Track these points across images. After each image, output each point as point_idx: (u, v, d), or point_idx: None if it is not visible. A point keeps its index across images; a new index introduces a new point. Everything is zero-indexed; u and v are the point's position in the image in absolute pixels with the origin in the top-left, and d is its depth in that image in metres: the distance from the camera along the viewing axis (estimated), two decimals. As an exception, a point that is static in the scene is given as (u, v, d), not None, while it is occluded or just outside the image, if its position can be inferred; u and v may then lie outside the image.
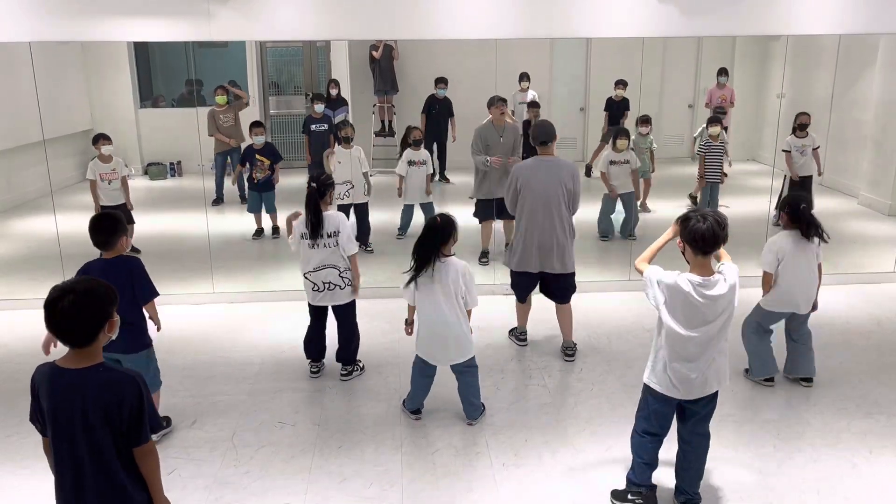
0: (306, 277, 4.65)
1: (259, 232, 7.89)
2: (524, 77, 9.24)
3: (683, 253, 3.22)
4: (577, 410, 4.39)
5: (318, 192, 4.52)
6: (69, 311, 2.28)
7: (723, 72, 9.22)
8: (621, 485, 3.58)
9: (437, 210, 7.39)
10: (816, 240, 4.47)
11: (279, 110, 10.43)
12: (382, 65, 9.58)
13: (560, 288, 5.07)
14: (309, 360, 4.90)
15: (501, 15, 5.81)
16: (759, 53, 9.86)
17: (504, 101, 6.89)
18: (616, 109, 9.22)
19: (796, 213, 4.42)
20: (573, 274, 5.05)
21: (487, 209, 6.97)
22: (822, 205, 8.05)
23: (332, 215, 4.61)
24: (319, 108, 8.29)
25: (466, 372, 4.19)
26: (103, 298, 2.36)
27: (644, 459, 3.44)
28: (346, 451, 3.97)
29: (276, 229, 7.85)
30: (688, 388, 3.24)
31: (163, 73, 11.23)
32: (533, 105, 8.48)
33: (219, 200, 8.71)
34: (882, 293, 6.39)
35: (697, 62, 10.11)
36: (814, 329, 4.73)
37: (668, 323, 3.20)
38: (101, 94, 9.68)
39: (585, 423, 4.24)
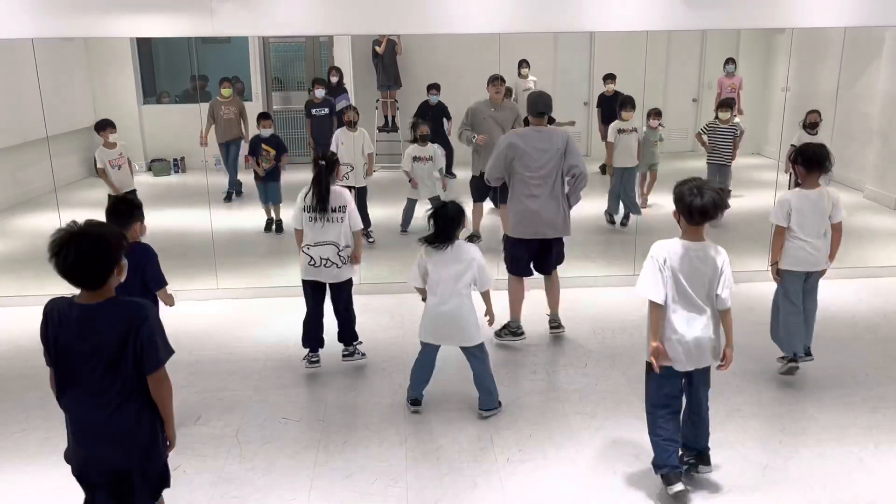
0: (304, 251, 4.62)
1: (271, 223, 7.93)
2: (523, 63, 9.19)
3: (678, 221, 3.36)
4: (582, 405, 4.38)
5: (327, 167, 4.54)
6: (79, 257, 2.31)
7: (730, 61, 9.21)
8: (626, 480, 3.58)
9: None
10: (829, 197, 4.38)
11: (282, 106, 10.42)
12: (385, 60, 9.55)
13: (554, 254, 5.13)
14: (307, 351, 4.86)
15: (505, 9, 5.78)
16: (764, 47, 9.82)
17: (500, 79, 6.85)
18: (609, 105, 9.19)
19: (808, 157, 4.34)
20: (564, 239, 5.14)
21: (482, 187, 6.92)
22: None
23: (337, 190, 4.62)
24: (320, 92, 8.34)
25: (477, 356, 4.20)
26: (112, 243, 2.39)
27: (662, 436, 3.42)
28: (351, 446, 3.97)
29: (279, 224, 7.84)
30: (692, 359, 3.35)
31: (166, 69, 11.23)
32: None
33: (229, 197, 8.69)
34: (889, 287, 6.36)
35: (702, 56, 10.08)
36: (820, 323, 4.72)
37: (671, 293, 3.30)
38: (105, 90, 9.67)
39: (590, 419, 4.23)
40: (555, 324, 5.29)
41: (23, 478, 3.74)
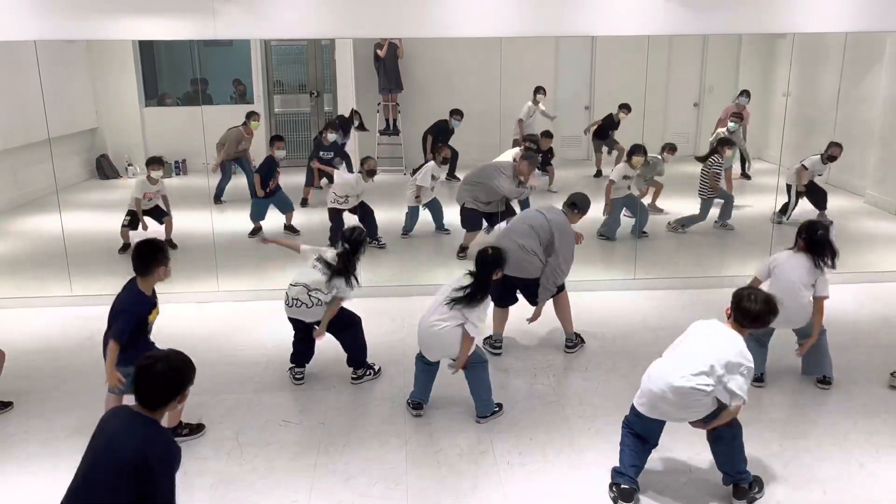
0: (288, 288, 4.61)
1: (256, 231, 7.77)
2: (539, 90, 9.12)
3: (728, 318, 3.47)
4: (582, 409, 4.38)
5: (352, 250, 4.53)
6: (157, 379, 2.58)
7: (745, 93, 9.06)
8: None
9: (443, 206, 7.42)
10: (817, 271, 4.43)
11: (284, 108, 10.43)
12: (387, 63, 9.57)
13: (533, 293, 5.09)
14: (292, 366, 4.81)
15: (507, 13, 5.79)
16: (765, 51, 9.83)
17: (534, 162, 6.95)
18: (609, 127, 9.19)
19: (813, 239, 4.40)
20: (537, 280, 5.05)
21: (474, 219, 6.97)
22: (829, 203, 8.03)
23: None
24: (332, 136, 8.26)
25: (472, 366, 4.20)
26: (186, 377, 2.65)
27: (629, 447, 3.56)
28: (351, 449, 3.97)
29: (292, 228, 7.79)
30: (656, 409, 3.45)
31: (168, 72, 11.25)
32: (546, 135, 8.50)
33: (218, 199, 8.64)
34: (889, 292, 6.35)
35: (703, 60, 10.09)
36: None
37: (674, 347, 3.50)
38: (107, 92, 9.69)
39: (590, 422, 4.23)
40: (570, 342, 5.23)
41: (22, 480, 3.74)
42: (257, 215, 7.75)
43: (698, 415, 3.40)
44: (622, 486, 3.48)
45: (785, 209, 7.78)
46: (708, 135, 9.07)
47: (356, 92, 9.25)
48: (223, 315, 5.94)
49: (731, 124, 8.51)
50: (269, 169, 7.64)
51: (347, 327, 4.72)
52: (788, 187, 7.92)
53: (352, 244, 4.55)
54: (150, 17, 5.62)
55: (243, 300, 6.20)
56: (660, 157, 8.12)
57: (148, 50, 10.28)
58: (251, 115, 8.74)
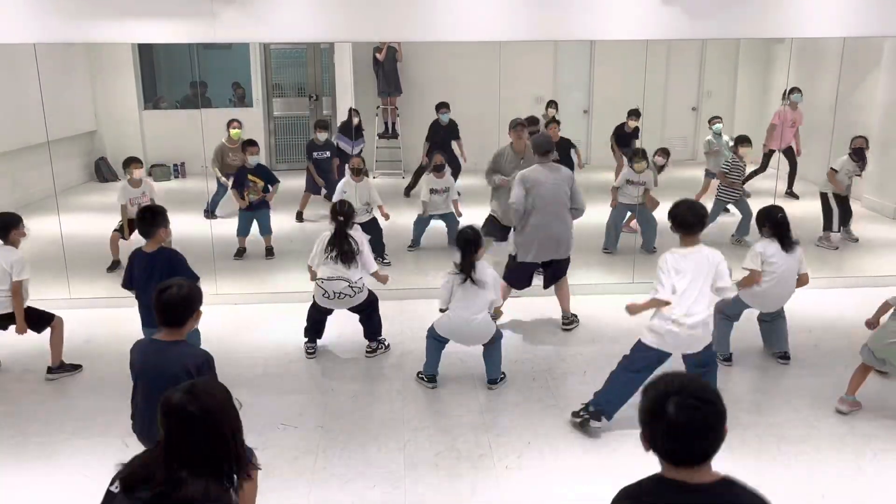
0: (318, 284, 4.91)
1: (241, 252, 7.35)
2: (551, 104, 9.00)
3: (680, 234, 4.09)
4: (581, 413, 4.39)
5: (345, 222, 4.90)
6: (174, 299, 2.94)
7: (796, 90, 8.59)
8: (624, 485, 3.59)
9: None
10: (798, 249, 4.79)
11: (283, 112, 10.45)
12: (386, 67, 9.58)
13: (560, 268, 5.59)
14: (306, 340, 5.14)
15: (505, 17, 5.81)
16: (763, 56, 9.86)
17: (524, 125, 6.67)
18: (626, 139, 9.03)
19: (774, 222, 4.76)
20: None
21: (494, 229, 6.81)
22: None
23: (355, 236, 4.96)
24: (322, 136, 8.12)
25: (492, 344, 4.67)
26: (197, 296, 3.05)
27: (616, 387, 4.05)
28: (350, 452, 3.97)
29: (270, 250, 7.36)
30: (682, 345, 3.98)
31: (167, 75, 11.24)
32: (553, 121, 8.41)
33: (211, 213, 8.20)
34: (887, 296, 6.34)
35: (701, 65, 10.12)
36: (819, 332, 4.75)
37: (672, 284, 3.97)
38: (106, 95, 9.68)
39: (589, 426, 4.23)
40: (566, 321, 5.63)
41: (20, 481, 3.73)
42: (241, 229, 7.37)
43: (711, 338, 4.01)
44: (591, 406, 4.05)
45: (830, 222, 7.58)
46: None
47: (355, 95, 9.27)
48: (221, 318, 5.93)
49: (714, 126, 8.47)
50: (241, 176, 7.32)
51: (370, 304, 5.10)
52: (823, 197, 7.70)
53: (344, 216, 4.92)
54: (149, 21, 5.63)
55: (241, 303, 6.20)
56: (652, 161, 8.00)
57: (147, 53, 10.27)
58: (230, 124, 8.32)
